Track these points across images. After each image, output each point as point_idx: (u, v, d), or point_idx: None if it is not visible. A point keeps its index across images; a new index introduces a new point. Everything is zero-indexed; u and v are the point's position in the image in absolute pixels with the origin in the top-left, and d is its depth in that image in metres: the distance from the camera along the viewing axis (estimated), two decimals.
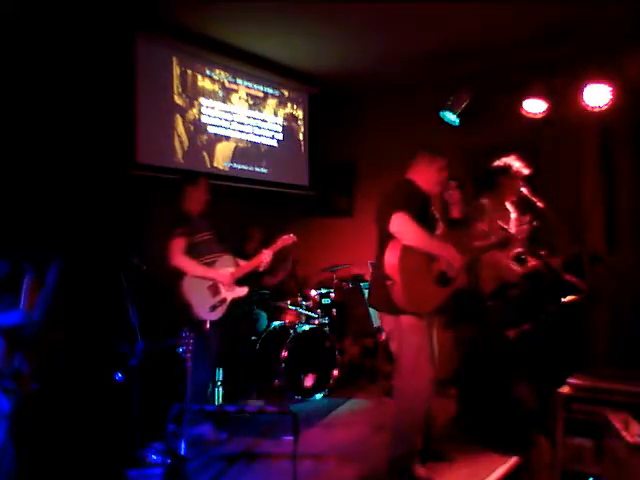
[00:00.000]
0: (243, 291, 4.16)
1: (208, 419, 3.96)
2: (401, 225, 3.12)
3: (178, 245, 3.93)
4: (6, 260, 2.97)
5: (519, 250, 3.88)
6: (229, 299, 4.05)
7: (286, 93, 6.48)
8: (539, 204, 4.05)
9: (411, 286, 3.16)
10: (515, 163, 4.08)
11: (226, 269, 4.09)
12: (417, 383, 3.22)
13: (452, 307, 3.62)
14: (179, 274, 3.94)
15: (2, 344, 2.82)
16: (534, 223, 3.90)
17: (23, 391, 2.85)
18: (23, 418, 2.83)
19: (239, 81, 5.97)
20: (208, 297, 3.99)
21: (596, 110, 4.82)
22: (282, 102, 6.45)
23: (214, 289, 4.03)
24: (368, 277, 5.80)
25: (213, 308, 3.97)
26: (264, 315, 5.44)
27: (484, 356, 4.02)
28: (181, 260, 3.92)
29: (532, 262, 3.93)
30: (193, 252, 4.00)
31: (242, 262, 4.25)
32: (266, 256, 4.22)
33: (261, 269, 4.29)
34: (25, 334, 2.89)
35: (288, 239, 4.42)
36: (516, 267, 3.94)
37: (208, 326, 3.84)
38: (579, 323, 4.36)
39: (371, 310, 4.98)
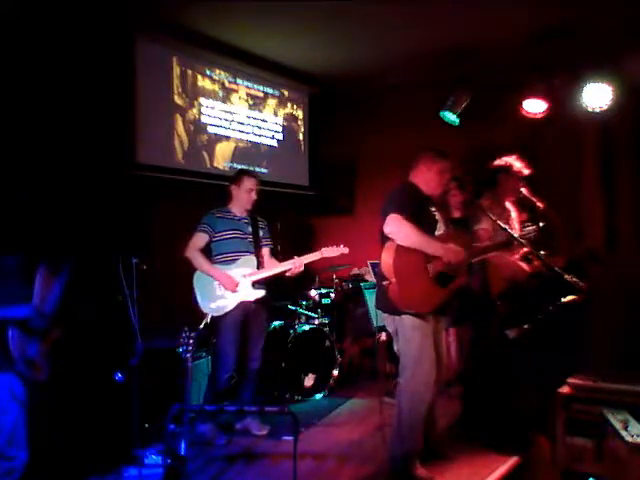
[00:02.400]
0: (257, 294, 4.06)
1: (209, 419, 3.96)
2: (394, 226, 3.16)
3: (196, 240, 4.05)
4: (20, 255, 3.02)
5: (526, 250, 3.88)
6: (237, 300, 4.00)
7: (286, 93, 6.48)
8: (539, 204, 4.05)
9: (406, 286, 3.17)
10: (515, 163, 4.08)
11: (241, 269, 4.04)
12: (418, 383, 3.22)
13: (457, 307, 3.61)
14: (191, 266, 4.04)
15: (17, 334, 2.90)
16: (540, 224, 3.89)
17: (36, 378, 2.95)
18: (33, 408, 2.89)
19: (239, 81, 5.97)
20: (214, 293, 4.00)
21: (596, 110, 4.82)
22: (282, 102, 6.45)
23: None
24: (368, 277, 5.81)
25: (216, 305, 3.97)
26: None
27: (485, 356, 4.02)
28: (192, 254, 4.02)
29: (536, 262, 3.93)
30: (215, 248, 4.07)
31: (271, 264, 4.18)
32: (297, 264, 4.10)
33: (289, 275, 4.16)
34: (37, 325, 2.96)
35: (334, 252, 4.24)
36: (525, 267, 3.94)
37: (209, 321, 3.79)
38: (579, 323, 4.37)
39: (371, 310, 4.97)
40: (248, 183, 4.15)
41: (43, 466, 3.02)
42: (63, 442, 3.26)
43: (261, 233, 4.24)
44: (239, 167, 5.91)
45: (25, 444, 2.87)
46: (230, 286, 3.98)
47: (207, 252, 4.10)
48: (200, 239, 4.05)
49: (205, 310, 3.97)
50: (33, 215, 3.86)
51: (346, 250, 4.28)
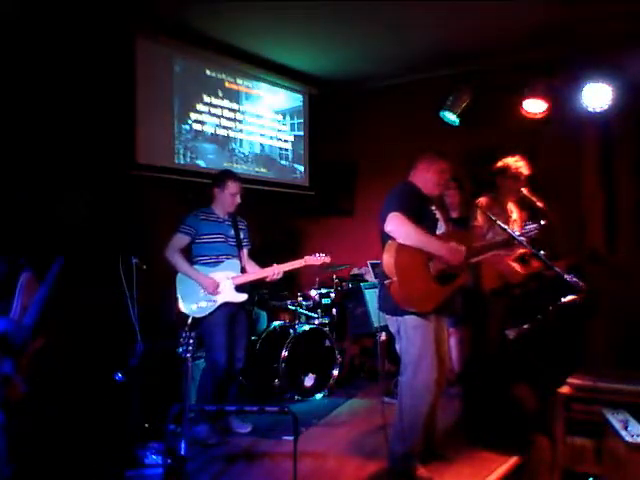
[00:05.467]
0: (240, 297, 4.05)
1: (207, 420, 3.95)
2: (395, 224, 3.17)
3: (176, 241, 4.01)
4: (3, 258, 2.97)
5: (522, 251, 3.89)
6: (220, 302, 3.97)
7: (286, 93, 6.48)
8: (539, 204, 4.05)
9: (408, 284, 3.17)
10: (514, 164, 4.08)
11: (225, 272, 4.03)
12: (419, 382, 3.22)
13: (459, 307, 3.61)
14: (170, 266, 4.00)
15: None
16: (542, 222, 3.90)
17: (13, 398, 2.85)
18: (19, 419, 2.83)
19: (239, 81, 5.97)
20: (196, 294, 3.96)
21: (596, 110, 4.82)
22: (282, 102, 6.45)
23: None
24: (368, 277, 5.81)
25: (198, 306, 3.94)
26: (264, 315, 5.43)
27: (485, 356, 4.02)
28: (172, 255, 3.98)
29: (535, 264, 3.93)
30: (197, 249, 4.04)
31: (253, 269, 4.19)
32: (276, 272, 4.12)
33: (268, 280, 4.20)
34: (15, 341, 2.89)
35: (316, 260, 4.28)
36: (519, 268, 3.94)
37: (190, 322, 3.78)
38: (579, 323, 4.37)
39: (371, 310, 4.98)
40: (233, 187, 4.09)
41: (41, 470, 2.99)
42: (61, 444, 3.25)
43: (242, 234, 4.21)
44: (239, 167, 5.92)
45: (5, 460, 2.79)
46: (211, 288, 3.95)
47: (185, 251, 4.05)
48: (181, 240, 4.01)
49: (186, 311, 3.93)
50: (28, 216, 3.85)
51: (328, 259, 4.32)
